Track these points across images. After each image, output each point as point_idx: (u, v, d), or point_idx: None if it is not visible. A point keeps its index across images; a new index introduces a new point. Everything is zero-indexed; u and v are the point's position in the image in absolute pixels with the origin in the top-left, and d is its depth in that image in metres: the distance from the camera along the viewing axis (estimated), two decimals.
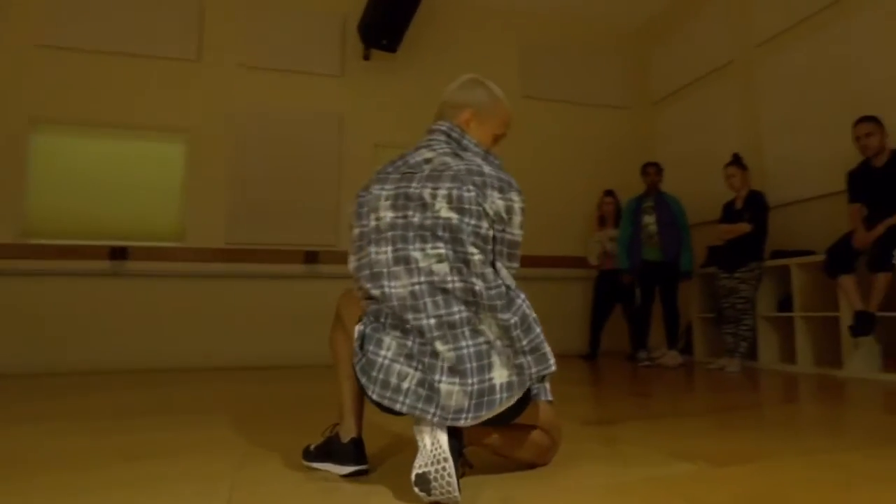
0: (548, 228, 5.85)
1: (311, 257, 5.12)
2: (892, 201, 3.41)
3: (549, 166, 5.96)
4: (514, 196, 1.43)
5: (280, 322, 5.01)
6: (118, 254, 4.75)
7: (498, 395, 1.29)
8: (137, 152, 4.97)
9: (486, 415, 1.28)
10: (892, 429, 1.97)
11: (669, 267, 4.60)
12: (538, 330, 1.36)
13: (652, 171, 4.84)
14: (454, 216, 1.36)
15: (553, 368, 1.36)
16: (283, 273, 5.06)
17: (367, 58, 5.60)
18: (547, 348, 1.36)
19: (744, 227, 4.14)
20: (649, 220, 4.73)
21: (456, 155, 1.47)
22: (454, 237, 1.35)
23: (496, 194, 1.40)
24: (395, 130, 5.61)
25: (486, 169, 1.43)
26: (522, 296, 1.38)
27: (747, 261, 4.12)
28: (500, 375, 1.30)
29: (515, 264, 1.46)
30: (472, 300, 1.32)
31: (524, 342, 1.32)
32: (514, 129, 5.93)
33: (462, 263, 1.34)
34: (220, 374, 4.25)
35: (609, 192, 5.43)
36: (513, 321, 1.32)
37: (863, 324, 3.27)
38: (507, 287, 1.36)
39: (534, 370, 1.34)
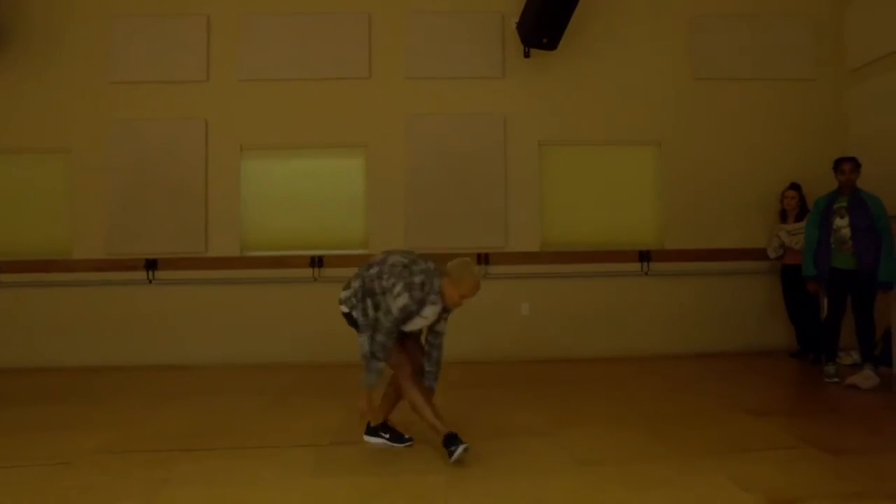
0: (726, 219, 5.59)
1: (482, 259, 5.43)
2: None
3: (726, 153, 5.63)
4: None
5: None
6: (315, 262, 5.43)
7: None
8: (323, 168, 5.58)
9: None
10: None
11: (864, 276, 4.24)
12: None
13: (847, 167, 4.36)
14: None
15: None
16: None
17: (527, 55, 5.61)
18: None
19: None
20: (841, 223, 4.35)
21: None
22: None
23: None
24: (559, 128, 5.62)
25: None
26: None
27: None
28: None
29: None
30: None
31: None
32: (685, 114, 5.65)
33: None
34: None
35: (793, 186, 5.07)
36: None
37: None
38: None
39: None
